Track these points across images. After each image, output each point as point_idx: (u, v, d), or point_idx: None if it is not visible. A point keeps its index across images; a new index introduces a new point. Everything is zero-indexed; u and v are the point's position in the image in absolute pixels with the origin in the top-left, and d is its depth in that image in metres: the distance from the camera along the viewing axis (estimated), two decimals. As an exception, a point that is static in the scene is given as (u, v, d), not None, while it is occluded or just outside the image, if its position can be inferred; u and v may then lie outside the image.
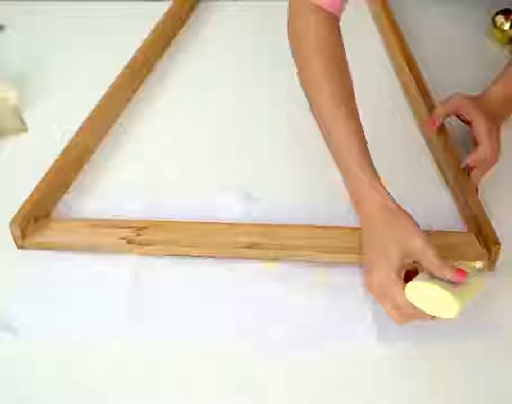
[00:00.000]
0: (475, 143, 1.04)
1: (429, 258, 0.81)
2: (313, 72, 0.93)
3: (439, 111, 1.08)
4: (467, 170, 1.03)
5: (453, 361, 0.87)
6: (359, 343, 0.89)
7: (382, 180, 0.85)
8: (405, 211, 0.86)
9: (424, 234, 0.83)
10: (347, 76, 0.93)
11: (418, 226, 0.84)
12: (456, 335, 0.89)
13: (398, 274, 0.82)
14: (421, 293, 0.80)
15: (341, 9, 0.97)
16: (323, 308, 0.93)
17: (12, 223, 0.99)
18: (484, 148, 1.02)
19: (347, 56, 0.95)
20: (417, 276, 0.82)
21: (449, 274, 0.80)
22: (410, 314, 0.83)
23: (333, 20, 0.95)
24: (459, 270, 0.81)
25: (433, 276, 0.81)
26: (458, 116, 1.07)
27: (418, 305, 0.81)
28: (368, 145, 0.91)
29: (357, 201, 0.89)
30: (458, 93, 1.07)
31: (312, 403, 0.85)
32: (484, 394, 0.85)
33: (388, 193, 0.87)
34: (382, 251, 0.83)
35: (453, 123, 1.11)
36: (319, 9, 0.95)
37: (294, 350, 0.89)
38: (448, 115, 1.08)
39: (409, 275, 0.83)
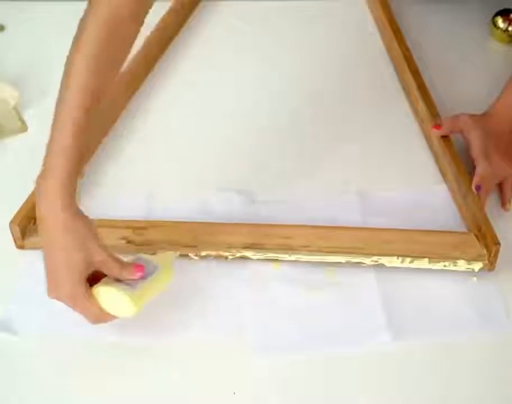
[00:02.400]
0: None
1: (109, 268, 0.84)
2: (80, 54, 0.88)
3: (447, 124, 1.08)
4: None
5: (462, 358, 0.88)
6: (367, 342, 0.89)
7: (383, 181, 0.84)
8: (84, 217, 0.85)
9: (100, 244, 0.84)
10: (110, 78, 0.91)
11: (95, 233, 0.84)
12: (462, 333, 0.90)
13: (84, 285, 0.83)
14: (105, 297, 0.84)
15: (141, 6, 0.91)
16: (325, 307, 0.93)
17: (12, 223, 0.99)
18: (480, 169, 1.02)
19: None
20: (103, 280, 0.85)
21: (128, 276, 0.84)
22: (100, 316, 0.85)
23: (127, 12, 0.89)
24: (137, 266, 0.84)
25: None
26: (462, 134, 1.08)
27: (104, 307, 0.85)
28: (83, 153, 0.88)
29: (40, 176, 0.86)
30: (465, 113, 1.08)
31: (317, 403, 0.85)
32: (490, 393, 0.85)
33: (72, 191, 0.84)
34: (66, 261, 0.82)
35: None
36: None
37: (296, 350, 0.89)
38: (453, 131, 1.08)
39: (97, 275, 0.85)
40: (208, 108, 1.23)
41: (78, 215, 0.85)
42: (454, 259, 0.92)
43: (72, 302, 0.84)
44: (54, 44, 1.36)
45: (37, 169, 1.06)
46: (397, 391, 0.85)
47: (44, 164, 0.86)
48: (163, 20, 1.35)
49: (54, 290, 0.84)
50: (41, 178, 0.86)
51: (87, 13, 0.90)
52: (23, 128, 1.19)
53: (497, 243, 0.93)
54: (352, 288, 0.94)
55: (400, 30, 1.29)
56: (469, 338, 0.89)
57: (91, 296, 0.84)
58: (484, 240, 0.95)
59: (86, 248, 0.83)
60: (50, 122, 1.20)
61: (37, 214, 0.85)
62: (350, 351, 0.88)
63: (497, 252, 0.93)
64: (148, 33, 1.31)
